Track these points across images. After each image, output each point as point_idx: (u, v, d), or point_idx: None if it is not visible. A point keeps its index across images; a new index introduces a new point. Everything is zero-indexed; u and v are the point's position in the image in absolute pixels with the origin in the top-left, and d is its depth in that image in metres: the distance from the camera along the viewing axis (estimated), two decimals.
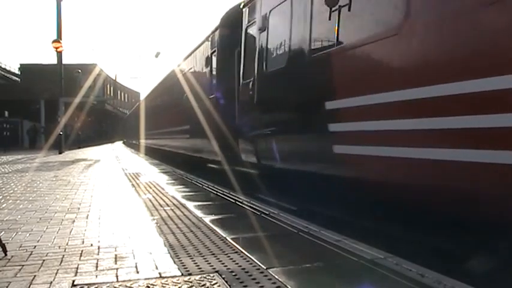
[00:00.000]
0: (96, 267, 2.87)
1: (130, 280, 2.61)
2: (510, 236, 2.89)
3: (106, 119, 53.10)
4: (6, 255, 3.12)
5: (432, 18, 3.33)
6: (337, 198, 4.81)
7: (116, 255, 3.15)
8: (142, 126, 24.27)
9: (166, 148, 16.65)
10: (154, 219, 4.52)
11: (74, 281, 2.59)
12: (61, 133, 21.55)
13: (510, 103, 2.68)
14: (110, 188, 7.37)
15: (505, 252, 2.96)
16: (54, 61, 22.40)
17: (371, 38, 3.96)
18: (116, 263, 2.95)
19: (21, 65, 44.81)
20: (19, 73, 43.94)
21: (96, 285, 2.52)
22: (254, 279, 2.58)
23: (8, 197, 6.18)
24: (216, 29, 9.42)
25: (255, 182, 6.88)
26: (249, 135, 7.02)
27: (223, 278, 2.60)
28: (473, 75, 2.90)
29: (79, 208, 5.25)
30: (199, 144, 10.22)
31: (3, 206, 5.43)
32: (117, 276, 2.68)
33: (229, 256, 3.07)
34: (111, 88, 51.21)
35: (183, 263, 2.93)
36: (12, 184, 7.93)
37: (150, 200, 5.83)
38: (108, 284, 2.54)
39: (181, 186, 7.50)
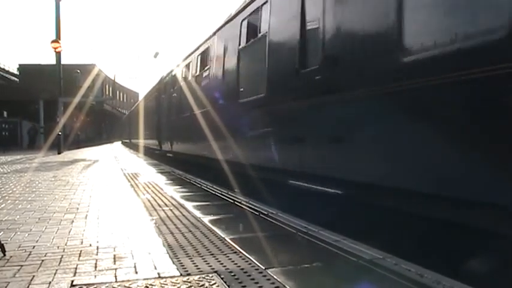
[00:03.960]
0: (95, 267, 2.87)
1: (129, 280, 2.61)
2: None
3: (105, 119, 53.05)
4: (5, 255, 3.11)
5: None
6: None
7: (114, 255, 3.15)
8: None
9: None
10: (153, 219, 4.51)
11: (72, 281, 2.58)
12: (60, 133, 21.53)
13: None
14: (108, 188, 7.36)
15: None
16: (53, 61, 22.37)
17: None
18: (114, 263, 2.95)
19: (20, 65, 44.84)
20: (18, 73, 43.92)
21: (95, 286, 2.52)
22: (253, 279, 2.58)
23: (6, 197, 6.17)
24: None
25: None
26: None
27: (222, 278, 2.60)
28: None
29: (78, 208, 5.25)
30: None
31: (2, 206, 5.42)
32: (116, 277, 2.67)
33: (228, 256, 3.07)
34: (110, 88, 51.18)
35: (181, 263, 2.93)
36: (11, 184, 7.92)
37: (149, 200, 5.83)
38: (107, 284, 2.54)
39: (179, 187, 7.50)
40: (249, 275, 2.65)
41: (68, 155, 20.67)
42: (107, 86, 51.47)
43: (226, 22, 8.46)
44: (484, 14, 2.88)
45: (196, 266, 2.86)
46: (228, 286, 2.48)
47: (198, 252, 3.20)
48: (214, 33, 9.33)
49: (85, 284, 2.54)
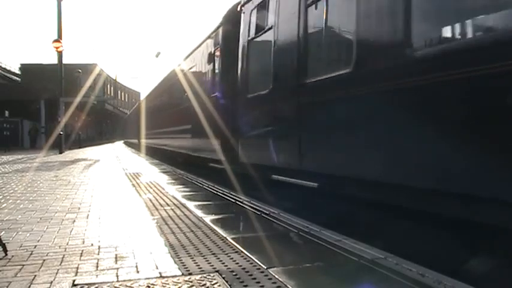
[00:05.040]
0: (97, 267, 2.87)
1: (130, 280, 2.61)
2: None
3: (106, 119, 53.15)
4: (6, 255, 3.12)
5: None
6: None
7: (116, 255, 3.15)
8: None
9: None
10: (154, 219, 4.52)
11: (74, 281, 2.58)
12: (61, 133, 21.56)
13: None
14: (110, 188, 7.37)
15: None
16: (55, 61, 22.43)
17: None
18: (116, 263, 2.95)
19: (21, 64, 44.98)
20: (19, 73, 44.01)
21: (96, 285, 2.52)
22: (254, 278, 2.58)
23: (8, 197, 6.18)
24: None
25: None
26: None
27: (224, 278, 2.60)
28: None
29: (79, 208, 5.26)
30: None
31: (4, 205, 5.43)
32: (117, 276, 2.67)
33: (229, 256, 3.07)
34: (112, 88, 51.21)
35: (183, 262, 2.93)
36: (12, 184, 7.93)
37: (151, 200, 5.83)
38: (108, 284, 2.54)
39: (181, 186, 7.51)
40: (251, 275, 2.65)
41: (70, 154, 20.70)
42: (109, 86, 51.53)
43: None
44: None
45: (198, 265, 2.86)
46: (230, 285, 2.48)
47: (199, 251, 3.20)
48: None
49: (86, 284, 2.54)
